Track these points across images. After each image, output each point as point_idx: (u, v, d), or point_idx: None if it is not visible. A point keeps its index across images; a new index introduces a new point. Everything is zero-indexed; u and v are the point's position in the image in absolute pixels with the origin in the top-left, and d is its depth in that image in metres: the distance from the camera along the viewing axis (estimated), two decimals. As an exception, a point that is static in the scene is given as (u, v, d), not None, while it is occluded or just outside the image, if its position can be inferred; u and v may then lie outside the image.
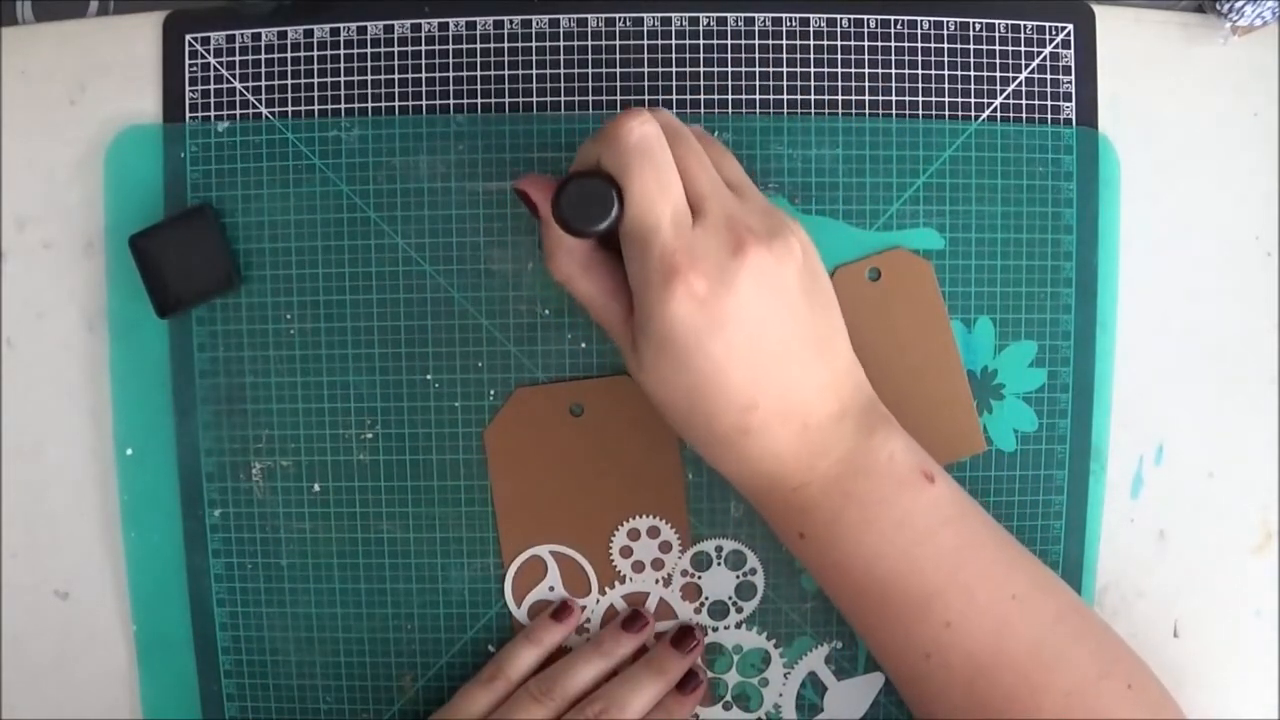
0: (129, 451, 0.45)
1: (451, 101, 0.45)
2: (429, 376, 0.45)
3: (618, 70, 0.45)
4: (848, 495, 0.37)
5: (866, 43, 0.45)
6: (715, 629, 0.45)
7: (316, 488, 0.45)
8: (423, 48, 0.45)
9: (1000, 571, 0.38)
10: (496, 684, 0.43)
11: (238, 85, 0.45)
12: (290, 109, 0.45)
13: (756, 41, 0.45)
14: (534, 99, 0.45)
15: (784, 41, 0.45)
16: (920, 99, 0.45)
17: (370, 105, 0.45)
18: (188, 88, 0.45)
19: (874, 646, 0.40)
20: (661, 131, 0.36)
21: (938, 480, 0.38)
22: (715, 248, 0.35)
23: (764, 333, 0.36)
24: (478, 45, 0.45)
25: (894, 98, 0.45)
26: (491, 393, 0.45)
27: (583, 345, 0.45)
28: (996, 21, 0.45)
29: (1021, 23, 0.45)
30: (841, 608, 0.40)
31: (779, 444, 0.37)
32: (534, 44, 0.45)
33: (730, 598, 0.45)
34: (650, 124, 0.36)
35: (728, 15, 0.44)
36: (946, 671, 0.38)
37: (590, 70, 0.45)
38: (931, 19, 0.45)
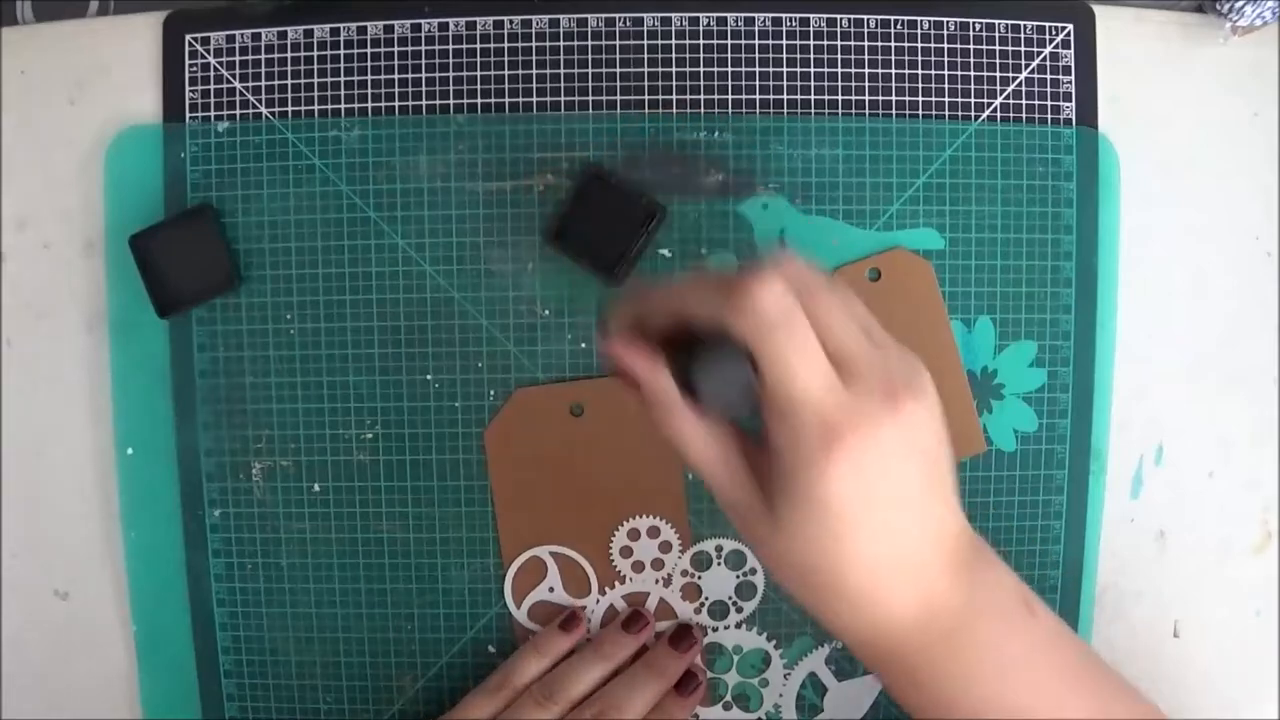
0: (129, 451, 0.45)
1: (451, 101, 0.45)
2: (429, 377, 0.45)
3: (618, 70, 0.45)
4: (961, 643, 0.36)
5: (866, 43, 0.45)
6: (715, 629, 0.45)
7: (316, 488, 0.45)
8: (423, 48, 0.45)
9: (1103, 700, 0.37)
10: (502, 692, 0.43)
11: (238, 85, 0.45)
12: (290, 109, 0.45)
13: (756, 41, 0.45)
14: (534, 99, 0.45)
15: (784, 41, 0.45)
16: (920, 99, 0.45)
17: (370, 105, 0.45)
18: (188, 88, 0.45)
19: None
20: (794, 299, 0.34)
21: (1037, 609, 0.37)
22: (872, 408, 0.33)
23: (905, 492, 0.34)
24: (478, 45, 0.45)
25: (894, 98, 0.45)
26: (491, 393, 0.45)
27: (583, 345, 0.45)
28: (996, 21, 0.45)
29: (1021, 23, 0.45)
30: None
31: (899, 603, 0.35)
32: (534, 44, 0.45)
33: (730, 598, 0.45)
34: (784, 293, 0.33)
35: (728, 15, 0.44)
36: None
37: (590, 70, 0.45)
38: (931, 19, 0.45)
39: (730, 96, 0.45)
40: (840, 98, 0.45)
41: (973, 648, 0.36)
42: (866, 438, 0.33)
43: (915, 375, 0.35)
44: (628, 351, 0.35)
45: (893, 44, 0.45)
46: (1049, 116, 0.45)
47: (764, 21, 0.44)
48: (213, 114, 0.45)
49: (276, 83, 0.45)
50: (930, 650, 0.36)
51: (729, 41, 0.45)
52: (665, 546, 0.45)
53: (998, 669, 0.36)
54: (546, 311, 0.45)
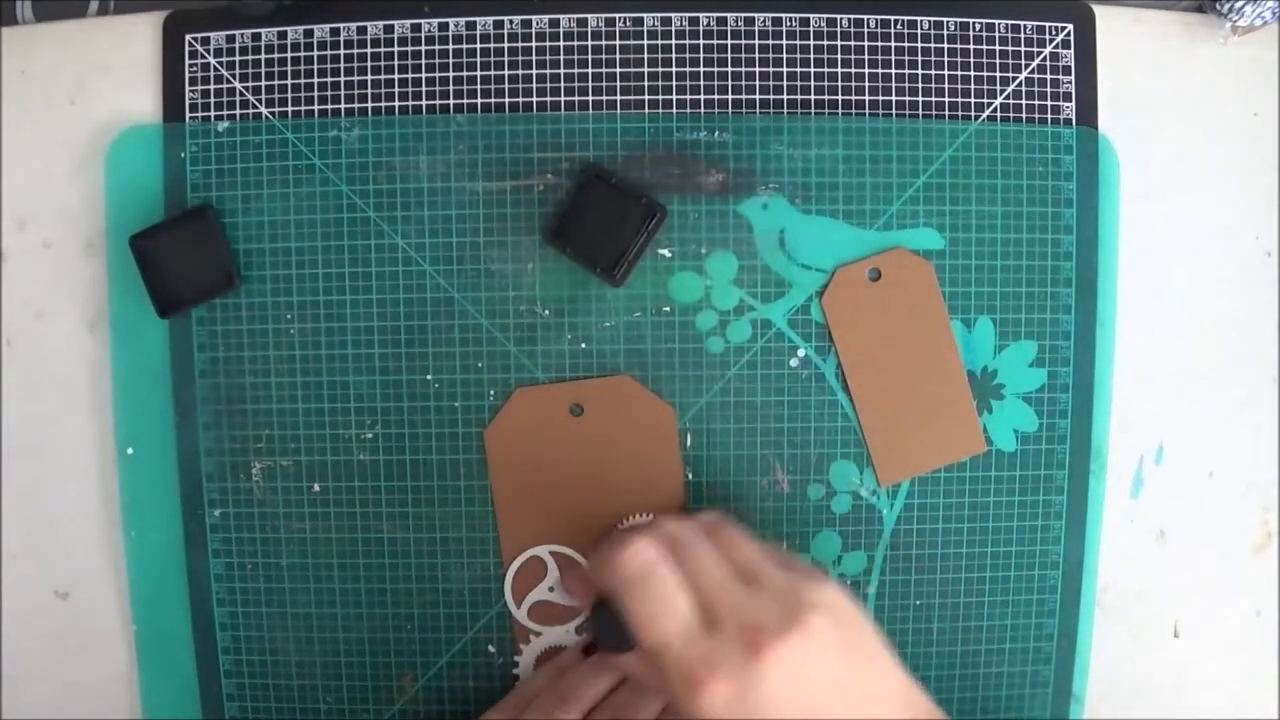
0: (129, 451, 0.45)
1: (451, 101, 0.45)
2: (429, 377, 0.45)
3: (618, 70, 0.45)
4: None
5: (866, 43, 0.45)
6: (715, 629, 0.45)
7: (316, 488, 0.45)
8: (423, 48, 0.45)
9: None
10: (517, 705, 0.43)
11: (238, 85, 0.45)
12: (290, 109, 0.45)
13: (756, 41, 0.45)
14: (534, 99, 0.45)
15: (784, 41, 0.45)
16: (920, 99, 0.45)
17: (370, 105, 0.45)
18: (188, 88, 0.45)
19: None
20: (657, 555, 0.37)
21: None
22: (731, 653, 0.35)
23: (810, 713, 0.35)
24: (478, 45, 0.45)
25: (894, 98, 0.45)
26: (491, 392, 0.45)
27: (583, 345, 0.45)
28: (996, 21, 0.45)
29: (1021, 23, 0.45)
30: None
31: None
32: (534, 44, 0.45)
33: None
34: (646, 550, 0.37)
35: (728, 15, 0.44)
36: None
37: (590, 70, 0.45)
38: (931, 19, 0.45)
39: (730, 96, 0.45)
40: (840, 98, 0.45)
41: None
42: (728, 682, 0.35)
43: (792, 611, 0.36)
44: (574, 582, 0.44)
45: (893, 44, 0.45)
46: (1049, 116, 0.45)
47: (764, 21, 0.44)
48: (213, 114, 0.45)
49: (276, 83, 0.45)
50: None
51: (729, 41, 0.45)
52: (665, 546, 0.45)
53: None
54: (546, 311, 0.45)
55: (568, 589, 0.44)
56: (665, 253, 0.44)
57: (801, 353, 0.45)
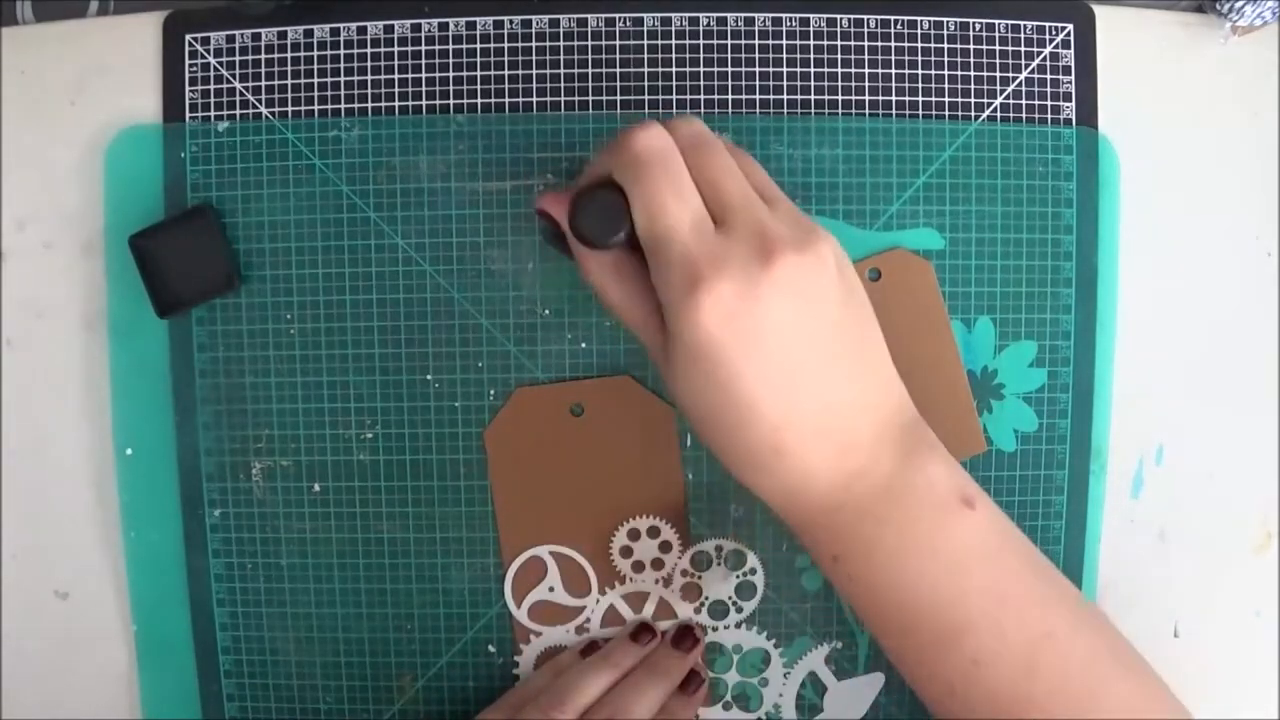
0: (129, 451, 0.45)
1: (451, 101, 0.45)
2: (429, 377, 0.45)
3: (618, 70, 0.45)
4: (884, 520, 0.36)
5: (866, 43, 0.45)
6: (715, 629, 0.45)
7: (316, 488, 0.45)
8: (423, 48, 0.45)
9: (1036, 608, 0.36)
10: (514, 706, 0.43)
11: (238, 85, 0.45)
12: (290, 109, 0.45)
13: (756, 41, 0.45)
14: (534, 99, 0.45)
15: (784, 41, 0.45)
16: (920, 99, 0.45)
17: (370, 105, 0.45)
18: (188, 88, 0.45)
19: (904, 674, 0.39)
20: (672, 142, 0.35)
21: (978, 506, 0.36)
22: (741, 255, 0.33)
23: (797, 345, 0.34)
24: (478, 45, 0.45)
25: (894, 98, 0.45)
26: (491, 392, 0.45)
27: (583, 345, 0.45)
28: (996, 21, 0.45)
29: (1021, 23, 0.45)
30: (873, 632, 0.39)
31: (813, 464, 0.35)
32: (534, 44, 0.45)
33: (730, 598, 0.45)
34: (658, 134, 0.35)
35: (728, 15, 0.44)
36: (969, 709, 0.36)
37: (590, 70, 0.45)
38: (931, 19, 0.45)
39: (730, 96, 0.45)
40: (840, 98, 0.45)
41: (895, 525, 0.35)
42: (733, 284, 0.33)
43: (807, 236, 0.34)
44: (549, 200, 0.38)
45: (893, 44, 0.45)
46: (1049, 116, 0.45)
47: (764, 21, 0.44)
48: (213, 114, 0.45)
49: (276, 83, 0.45)
50: (848, 518, 0.36)
51: (729, 41, 0.45)
52: (665, 546, 0.45)
53: (920, 552, 0.36)
54: (547, 311, 0.45)
55: (543, 208, 0.39)
56: (665, 253, 0.44)
57: (801, 353, 0.45)
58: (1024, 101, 0.45)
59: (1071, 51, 0.45)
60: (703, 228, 0.34)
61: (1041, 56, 0.45)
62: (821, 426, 0.35)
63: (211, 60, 0.45)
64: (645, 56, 0.45)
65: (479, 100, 0.45)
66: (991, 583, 0.36)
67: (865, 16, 0.45)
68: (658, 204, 0.34)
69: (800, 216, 0.36)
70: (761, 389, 0.34)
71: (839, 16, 0.45)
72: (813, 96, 0.45)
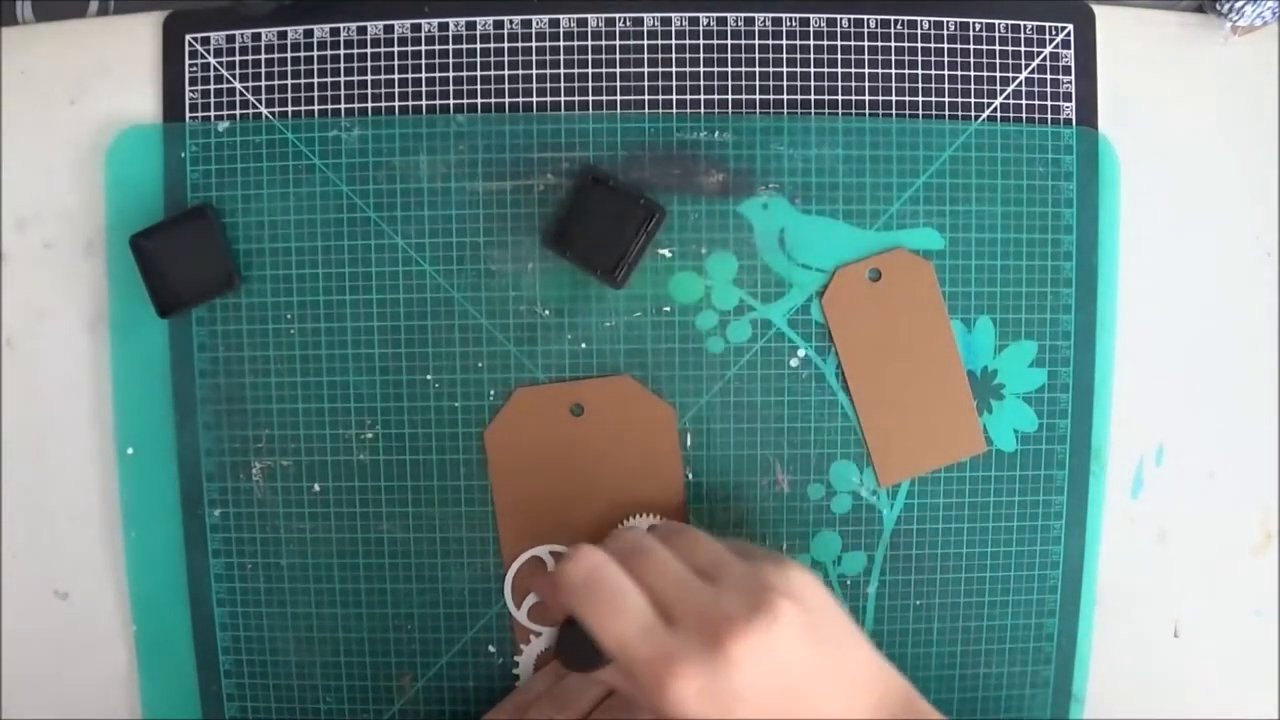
0: (129, 450, 0.45)
1: (451, 101, 0.45)
2: (429, 377, 0.45)
3: (618, 70, 0.45)
4: None
5: (866, 43, 0.45)
6: (715, 629, 0.45)
7: (316, 488, 0.45)
8: (423, 48, 0.45)
9: None
10: (516, 711, 0.43)
11: (238, 85, 0.45)
12: (290, 109, 0.45)
13: (756, 41, 0.45)
14: (534, 99, 0.45)
15: (784, 41, 0.45)
16: (920, 99, 0.45)
17: (370, 105, 0.45)
18: (188, 88, 0.45)
19: None
20: (599, 560, 0.37)
21: None
22: (693, 646, 0.34)
23: (778, 704, 0.35)
24: (478, 45, 0.45)
25: (894, 98, 0.45)
26: (491, 392, 0.45)
27: (583, 345, 0.45)
28: (996, 21, 0.45)
29: (1021, 23, 0.45)
30: None
31: None
32: (534, 44, 0.45)
33: (730, 598, 0.45)
34: (591, 554, 0.37)
35: (728, 15, 0.44)
36: None
37: (590, 70, 0.45)
38: (931, 19, 0.45)
39: (730, 96, 0.45)
40: (840, 98, 0.45)
41: None
42: (692, 676, 0.34)
43: (754, 600, 0.35)
44: (541, 588, 0.43)
45: (893, 44, 0.45)
46: (1049, 116, 0.45)
47: (764, 21, 0.44)
48: (213, 114, 0.45)
49: (276, 83, 0.45)
50: None
51: (729, 41, 0.45)
52: (665, 546, 0.45)
53: None
54: (547, 311, 0.45)
55: (540, 592, 0.44)
56: (665, 253, 0.44)
57: (801, 353, 0.45)
58: (1024, 101, 0.45)
59: (1071, 51, 0.45)
60: (651, 630, 0.35)
61: (1041, 56, 0.45)
62: None
63: (211, 60, 0.45)
64: (645, 56, 0.45)
65: (479, 100, 0.45)
66: None
67: (865, 16, 0.45)
68: (601, 626, 0.36)
69: (747, 574, 0.37)
70: None
71: (839, 16, 0.45)
72: (812, 96, 0.45)
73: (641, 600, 0.36)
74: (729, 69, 0.45)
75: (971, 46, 0.45)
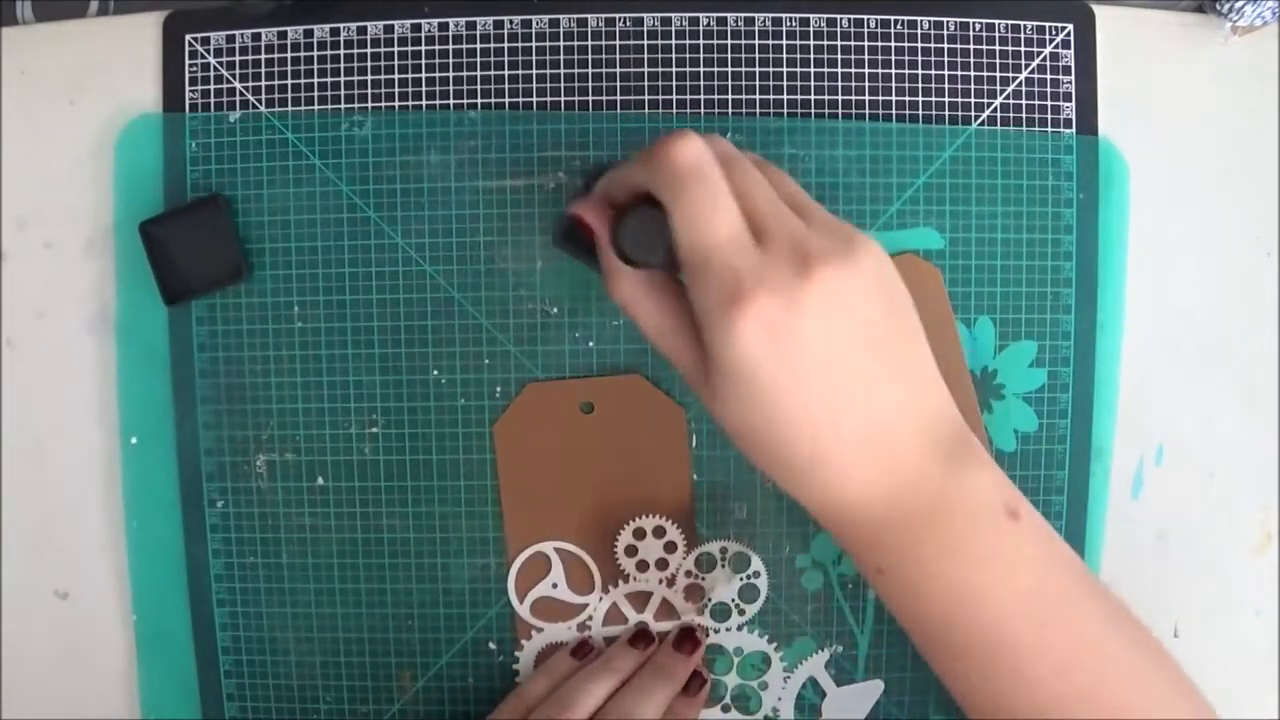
0: (133, 440, 0.45)
1: (451, 101, 0.45)
2: (433, 375, 0.45)
3: (618, 70, 0.45)
4: (928, 533, 0.35)
5: (866, 43, 0.45)
6: (717, 630, 0.45)
7: (319, 484, 0.45)
8: (422, 48, 0.45)
9: (1078, 622, 0.36)
10: (517, 713, 0.43)
11: (238, 85, 0.45)
12: (290, 108, 0.45)
13: (756, 42, 0.45)
14: (534, 99, 0.45)
15: (784, 42, 0.45)
16: (920, 99, 0.45)
17: (371, 105, 0.45)
18: (188, 87, 0.45)
19: (947, 685, 0.38)
20: (711, 155, 0.34)
21: (1023, 517, 0.36)
22: (781, 270, 0.33)
23: (840, 357, 0.34)
24: (478, 45, 0.45)
25: (894, 98, 0.45)
26: (497, 390, 0.45)
27: (590, 344, 0.45)
28: (996, 22, 0.45)
29: (1021, 23, 0.45)
30: (916, 643, 0.38)
31: (857, 478, 0.35)
32: (534, 44, 0.45)
33: (733, 600, 0.45)
34: (698, 147, 0.34)
35: (728, 15, 0.45)
36: None
37: (590, 70, 0.45)
38: (931, 19, 0.45)
39: (731, 96, 0.45)
40: (840, 99, 0.45)
41: (942, 537, 0.35)
42: (774, 299, 0.32)
43: (846, 245, 0.34)
44: (587, 209, 0.37)
45: (892, 44, 0.45)
46: (1049, 117, 0.45)
47: (764, 21, 0.45)
48: (213, 114, 0.45)
49: (276, 82, 0.45)
50: (894, 530, 0.35)
51: (729, 41, 0.45)
52: (670, 547, 0.45)
53: (967, 565, 0.35)
54: (554, 310, 0.45)
55: (578, 214, 0.38)
56: (666, 252, 0.44)
57: (802, 353, 0.45)
58: (1024, 102, 0.45)
59: (1071, 52, 0.45)
60: (742, 243, 0.33)
61: (1041, 57, 0.45)
62: (865, 440, 0.34)
63: (211, 60, 0.45)
64: (645, 56, 0.45)
65: (479, 100, 0.45)
66: (1033, 595, 0.36)
67: (865, 17, 0.45)
68: (701, 220, 0.33)
69: (838, 225, 0.35)
70: (803, 404, 0.34)
71: (839, 17, 0.45)
72: (813, 97, 0.45)
73: (737, 210, 0.34)
74: (729, 69, 0.45)
75: (971, 47, 0.45)
